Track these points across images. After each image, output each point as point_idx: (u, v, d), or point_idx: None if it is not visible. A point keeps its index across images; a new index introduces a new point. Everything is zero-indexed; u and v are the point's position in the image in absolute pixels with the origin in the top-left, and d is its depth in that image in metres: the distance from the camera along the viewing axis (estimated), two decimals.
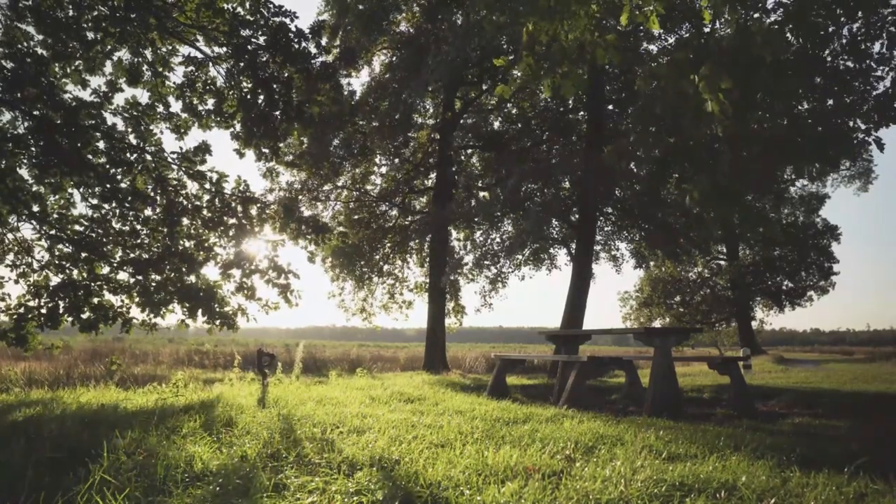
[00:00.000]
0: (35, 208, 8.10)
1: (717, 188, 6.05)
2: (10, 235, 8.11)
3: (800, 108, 7.23)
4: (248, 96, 8.64)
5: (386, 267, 19.68)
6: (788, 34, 5.87)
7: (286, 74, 8.76)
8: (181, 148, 8.69)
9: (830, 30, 6.28)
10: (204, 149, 8.65)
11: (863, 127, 6.66)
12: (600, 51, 4.90)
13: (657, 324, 29.89)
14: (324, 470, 3.19)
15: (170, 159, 8.62)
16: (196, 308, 7.99)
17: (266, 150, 9.14)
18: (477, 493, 2.83)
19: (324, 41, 9.75)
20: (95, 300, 7.89)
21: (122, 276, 8.17)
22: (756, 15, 6.37)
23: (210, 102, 9.04)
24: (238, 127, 8.99)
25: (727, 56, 4.87)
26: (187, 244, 8.43)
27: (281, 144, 9.23)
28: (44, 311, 7.62)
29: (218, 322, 8.15)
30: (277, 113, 8.73)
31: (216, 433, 4.18)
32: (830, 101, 6.90)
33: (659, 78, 5.16)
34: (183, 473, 3.05)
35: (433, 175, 19.40)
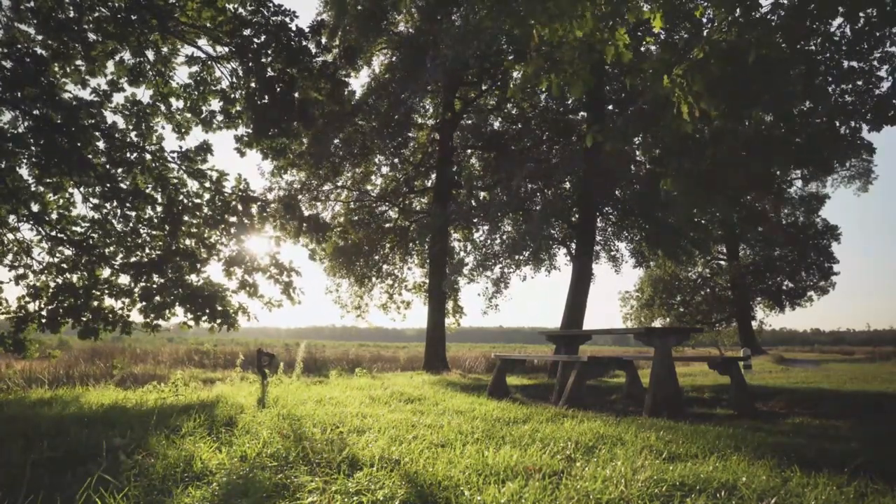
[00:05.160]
0: (35, 208, 8.09)
1: (693, 175, 6.01)
2: (9, 235, 8.10)
3: (799, 108, 7.19)
4: (256, 97, 8.65)
5: (385, 267, 19.68)
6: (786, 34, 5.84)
7: (288, 73, 8.76)
8: (181, 147, 8.69)
9: (831, 29, 6.26)
10: (205, 149, 8.65)
11: (863, 128, 6.65)
12: (610, 48, 4.88)
13: (657, 324, 29.86)
14: (324, 470, 3.18)
15: (170, 157, 8.62)
16: (200, 310, 7.98)
17: (274, 148, 9.15)
18: (477, 493, 2.82)
19: (323, 40, 9.75)
20: (95, 303, 7.88)
21: (124, 279, 8.17)
22: (756, 15, 6.34)
23: (215, 104, 9.04)
24: (242, 129, 9.00)
25: (713, 56, 4.83)
26: (188, 242, 8.43)
27: (288, 143, 9.24)
28: (44, 313, 7.61)
29: (219, 322, 8.14)
30: (282, 112, 8.74)
31: (216, 433, 4.18)
32: (826, 100, 6.87)
33: (643, 75, 5.15)
34: (182, 473, 3.04)
35: (433, 175, 19.38)
